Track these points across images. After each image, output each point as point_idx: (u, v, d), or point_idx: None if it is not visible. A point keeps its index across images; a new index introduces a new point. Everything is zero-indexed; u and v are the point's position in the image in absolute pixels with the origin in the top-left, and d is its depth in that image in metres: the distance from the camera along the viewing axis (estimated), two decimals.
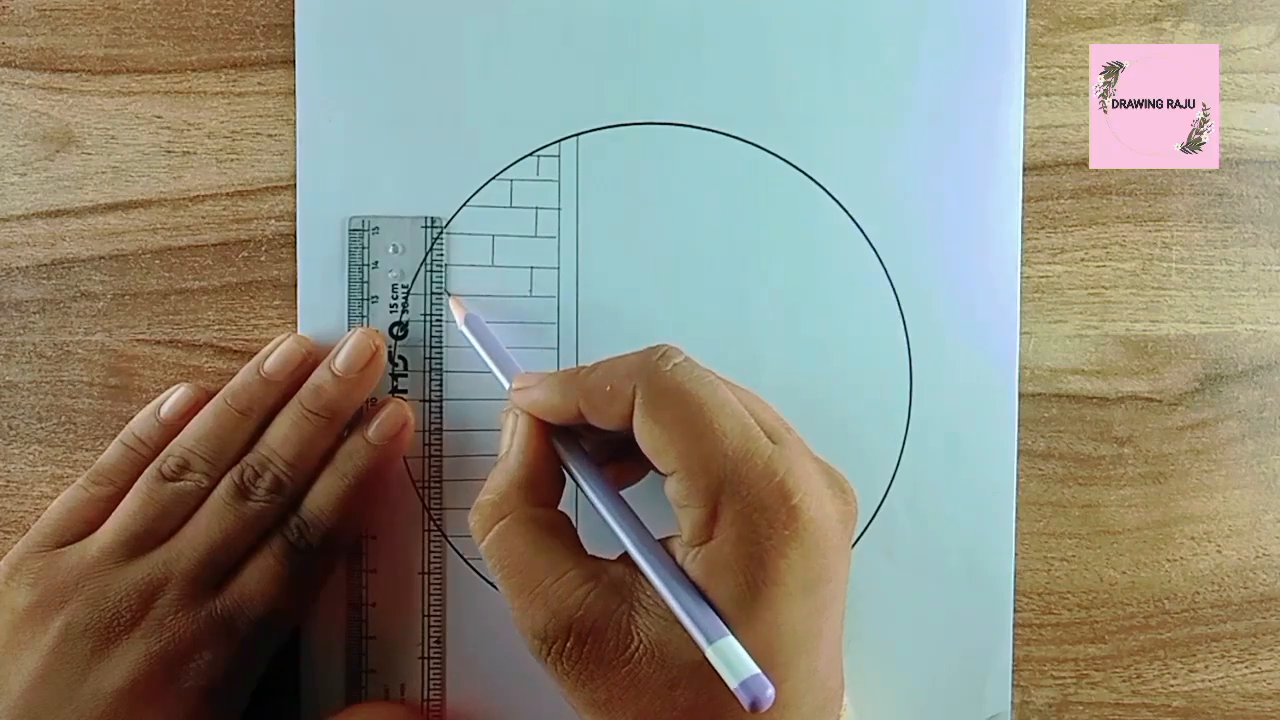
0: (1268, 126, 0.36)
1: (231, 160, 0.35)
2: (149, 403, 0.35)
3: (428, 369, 0.35)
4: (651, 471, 0.31)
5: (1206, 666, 0.36)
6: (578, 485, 0.29)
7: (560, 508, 0.29)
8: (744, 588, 0.25)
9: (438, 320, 0.35)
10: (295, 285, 0.35)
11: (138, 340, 0.35)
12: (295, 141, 0.35)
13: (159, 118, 0.35)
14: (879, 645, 0.35)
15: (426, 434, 0.35)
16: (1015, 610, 0.35)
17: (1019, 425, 0.35)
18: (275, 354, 0.33)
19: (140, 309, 0.35)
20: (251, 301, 0.35)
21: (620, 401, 0.27)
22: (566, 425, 0.29)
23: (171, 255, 0.35)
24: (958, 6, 0.35)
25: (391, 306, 0.35)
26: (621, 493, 0.29)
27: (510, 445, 0.29)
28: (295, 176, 0.35)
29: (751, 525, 0.25)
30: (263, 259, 0.35)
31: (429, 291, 0.35)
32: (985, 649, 0.35)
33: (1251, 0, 0.36)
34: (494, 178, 0.35)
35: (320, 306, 0.35)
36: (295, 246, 0.35)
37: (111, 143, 0.35)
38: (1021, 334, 0.36)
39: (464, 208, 0.35)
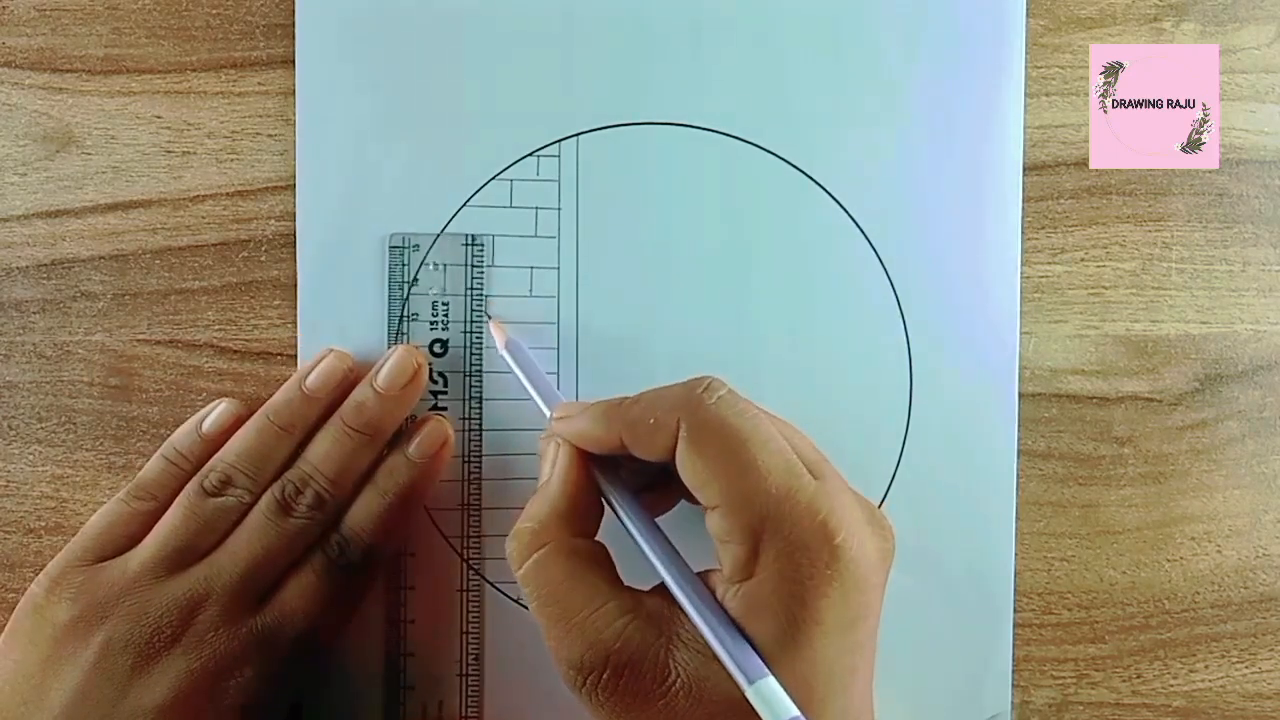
0: (1268, 126, 0.36)
1: (231, 160, 0.35)
2: (149, 403, 0.35)
3: (467, 387, 0.35)
4: (684, 501, 0.31)
5: (1206, 666, 0.36)
6: (617, 516, 0.29)
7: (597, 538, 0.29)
8: (784, 626, 0.25)
9: (478, 338, 0.35)
10: (295, 285, 0.35)
11: (138, 340, 0.35)
12: (295, 141, 0.35)
13: (159, 118, 0.35)
14: (879, 645, 0.35)
15: (466, 450, 0.35)
16: (1015, 610, 0.35)
17: (1019, 425, 0.35)
18: (317, 370, 0.33)
19: (140, 309, 0.35)
20: (251, 301, 0.35)
21: (664, 434, 0.27)
22: (607, 455, 0.29)
23: (171, 255, 0.35)
24: (958, 6, 0.35)
25: (432, 324, 0.35)
26: (658, 521, 0.29)
27: (551, 474, 0.29)
28: (295, 176, 0.35)
29: (794, 564, 0.25)
30: (263, 259, 0.35)
31: (469, 309, 0.35)
32: (985, 649, 0.35)
33: (1251, 0, 0.36)
34: (494, 178, 0.35)
35: (320, 308, 0.35)
36: (295, 246, 0.35)
37: (111, 143, 0.35)
38: (1021, 334, 0.36)
39: (464, 208, 0.35)
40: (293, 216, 0.35)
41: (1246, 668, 0.36)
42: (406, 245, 0.34)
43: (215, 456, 0.32)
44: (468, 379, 0.35)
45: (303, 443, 0.32)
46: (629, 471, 0.30)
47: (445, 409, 0.35)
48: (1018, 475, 0.35)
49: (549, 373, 0.35)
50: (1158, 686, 0.36)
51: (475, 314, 0.35)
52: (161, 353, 0.35)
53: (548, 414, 0.31)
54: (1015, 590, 0.35)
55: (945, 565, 0.35)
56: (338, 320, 0.35)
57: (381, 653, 0.34)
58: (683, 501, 0.31)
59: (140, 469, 0.35)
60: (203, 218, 0.35)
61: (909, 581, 0.35)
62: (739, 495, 0.26)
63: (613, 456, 0.29)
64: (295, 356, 0.35)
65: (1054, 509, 0.36)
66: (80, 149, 0.35)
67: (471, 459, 0.35)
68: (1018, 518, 0.35)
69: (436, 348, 0.35)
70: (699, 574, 0.27)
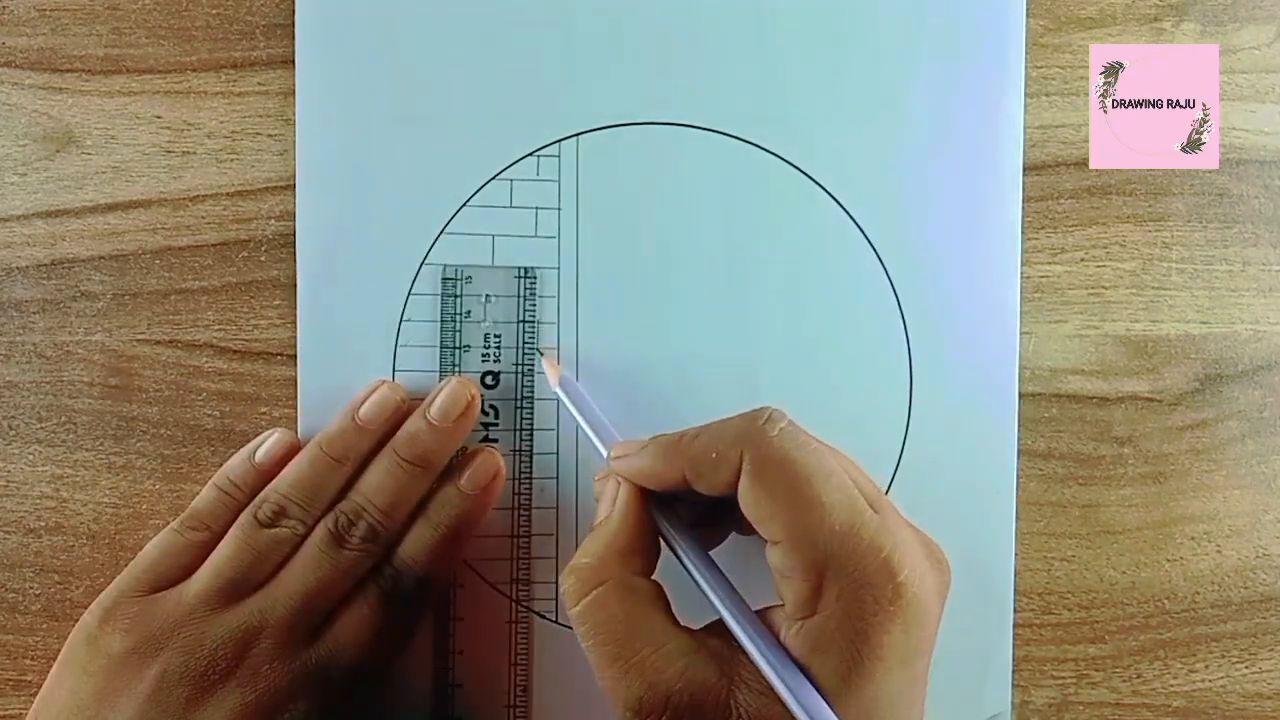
0: (1268, 126, 0.36)
1: (231, 160, 0.35)
2: (149, 403, 0.35)
3: (519, 418, 0.35)
4: (735, 534, 0.31)
5: (1206, 666, 0.36)
6: (675, 554, 0.29)
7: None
8: (848, 663, 0.25)
9: (529, 370, 0.35)
10: (295, 285, 0.35)
11: (138, 340, 0.35)
12: (295, 141, 0.35)
13: (159, 118, 0.35)
14: None
15: (516, 483, 0.35)
16: (1015, 610, 0.35)
17: (1019, 425, 0.35)
18: (370, 401, 0.33)
19: (140, 309, 0.35)
20: (251, 301, 0.35)
21: (726, 469, 0.27)
22: (664, 492, 0.29)
23: (171, 255, 0.35)
24: (958, 6, 0.35)
25: (484, 356, 0.35)
26: (713, 556, 0.29)
27: (610, 511, 0.29)
28: (295, 176, 0.35)
29: (858, 601, 0.25)
30: (263, 259, 0.35)
31: (521, 342, 0.35)
32: (985, 649, 0.35)
33: (1251, 0, 0.36)
34: (494, 178, 0.35)
35: (320, 308, 0.35)
36: (295, 246, 0.35)
37: (111, 143, 0.35)
38: (1021, 334, 0.36)
39: (464, 208, 0.35)
40: (293, 216, 0.35)
41: (1246, 668, 0.36)
42: (458, 277, 0.34)
43: (269, 487, 0.32)
44: (519, 410, 0.35)
45: (356, 473, 0.32)
46: (683, 507, 0.30)
47: (496, 440, 0.35)
48: (1018, 475, 0.35)
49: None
50: (1158, 686, 0.36)
51: (527, 346, 0.35)
52: (161, 353, 0.35)
53: (604, 453, 0.31)
54: (1015, 590, 0.35)
55: None
56: (338, 320, 0.35)
57: (430, 684, 0.34)
58: (736, 536, 0.31)
59: (140, 469, 0.35)
60: (203, 218, 0.35)
61: None
62: (802, 531, 0.25)
63: (668, 493, 0.29)
64: (295, 356, 0.35)
65: (1054, 509, 0.36)
66: (80, 149, 0.35)
67: (522, 490, 0.35)
68: (1018, 518, 0.35)
69: (488, 379, 0.35)
70: (758, 611, 0.27)
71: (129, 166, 0.35)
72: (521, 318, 0.35)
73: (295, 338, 0.35)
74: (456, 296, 0.34)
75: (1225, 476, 0.36)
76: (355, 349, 0.34)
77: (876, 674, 0.25)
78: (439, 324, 0.34)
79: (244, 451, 0.33)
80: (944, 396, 0.35)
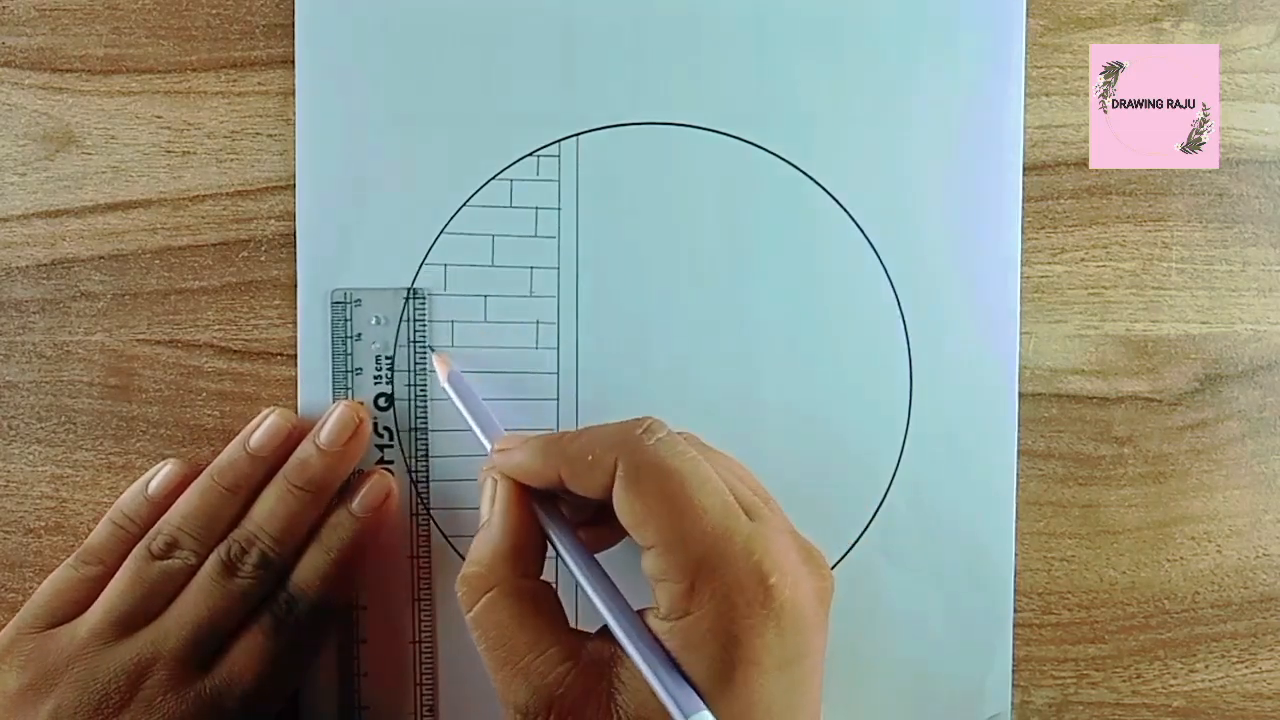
0: (1268, 126, 0.36)
1: (231, 160, 0.35)
2: (149, 403, 0.35)
3: (413, 440, 0.35)
4: (627, 539, 0.31)
5: (1206, 666, 0.36)
6: (558, 554, 0.29)
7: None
8: (719, 665, 0.25)
9: (422, 391, 0.35)
10: (295, 285, 0.35)
11: (138, 340, 0.35)
12: (295, 141, 0.35)
13: (159, 118, 0.35)
14: (879, 645, 0.35)
15: (413, 503, 0.35)
16: (1015, 610, 0.35)
17: (1019, 425, 0.35)
18: (261, 429, 0.33)
19: (140, 309, 0.35)
20: (251, 301, 0.35)
21: (601, 472, 0.27)
22: (547, 491, 0.29)
23: (171, 255, 0.35)
24: (958, 7, 0.35)
25: (376, 378, 0.35)
26: (603, 557, 0.29)
27: (492, 512, 0.29)
28: (295, 176, 0.35)
29: (729, 604, 0.25)
30: (263, 259, 0.35)
31: (412, 362, 0.35)
32: (985, 649, 0.35)
33: (1251, 0, 0.36)
34: (494, 178, 0.35)
35: (319, 309, 0.35)
36: (295, 246, 0.35)
37: (111, 143, 0.35)
38: (1021, 334, 0.36)
39: (464, 208, 0.35)
40: (293, 216, 0.35)
41: (1246, 668, 0.36)
42: (348, 300, 0.34)
43: (162, 519, 0.32)
44: (413, 432, 0.35)
45: (249, 502, 0.32)
46: (571, 507, 0.30)
47: (391, 463, 0.35)
48: (1018, 475, 0.35)
49: (549, 373, 0.35)
50: (1158, 686, 0.36)
51: (419, 367, 0.35)
52: (161, 353, 0.35)
53: (488, 447, 0.31)
54: (1015, 590, 0.35)
55: (945, 565, 0.35)
56: (338, 320, 0.34)
57: (335, 707, 0.34)
58: (627, 539, 0.31)
59: (140, 469, 0.35)
60: (203, 218, 0.35)
61: (909, 581, 0.35)
62: (675, 535, 0.26)
63: (553, 492, 0.29)
64: (295, 356, 0.35)
65: (1054, 509, 0.36)
66: (80, 149, 0.35)
67: (419, 511, 0.35)
68: (1018, 518, 0.35)
69: (381, 401, 0.35)
70: (638, 611, 0.27)
71: (129, 166, 0.35)
72: (412, 338, 0.34)
73: (295, 338, 0.35)
74: (347, 320, 0.34)
75: (1225, 476, 0.36)
76: (355, 349, 0.34)
77: (751, 676, 0.25)
78: (330, 348, 0.34)
79: (137, 484, 0.33)
80: (944, 396, 0.35)
